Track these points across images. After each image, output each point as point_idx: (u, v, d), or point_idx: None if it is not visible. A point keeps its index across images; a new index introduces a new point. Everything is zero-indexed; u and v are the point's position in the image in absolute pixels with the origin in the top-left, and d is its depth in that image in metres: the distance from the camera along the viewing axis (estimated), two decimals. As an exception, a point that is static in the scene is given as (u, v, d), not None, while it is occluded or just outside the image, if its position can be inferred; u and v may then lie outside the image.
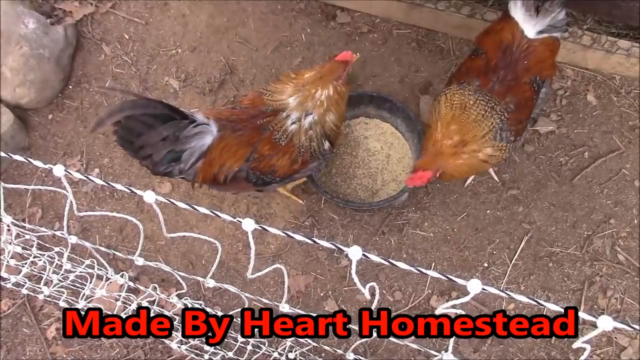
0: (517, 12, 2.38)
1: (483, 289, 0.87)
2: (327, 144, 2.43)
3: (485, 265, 2.88)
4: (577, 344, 0.95)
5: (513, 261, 2.87)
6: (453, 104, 2.38)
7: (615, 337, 2.74)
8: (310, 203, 3.00)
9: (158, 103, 2.12)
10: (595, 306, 2.79)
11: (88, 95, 3.25)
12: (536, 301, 0.86)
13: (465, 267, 2.88)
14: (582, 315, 0.87)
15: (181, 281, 1.46)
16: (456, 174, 2.47)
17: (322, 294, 2.88)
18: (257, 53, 3.25)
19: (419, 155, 2.47)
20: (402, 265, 0.91)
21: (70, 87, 3.27)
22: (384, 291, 2.87)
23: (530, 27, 2.38)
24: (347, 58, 2.37)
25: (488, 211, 2.95)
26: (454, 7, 3.06)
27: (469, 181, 2.96)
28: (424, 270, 0.88)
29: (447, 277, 0.89)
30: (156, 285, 1.98)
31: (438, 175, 2.37)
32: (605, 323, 0.82)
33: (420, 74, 3.16)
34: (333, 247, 0.93)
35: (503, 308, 2.81)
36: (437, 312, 0.97)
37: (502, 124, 2.36)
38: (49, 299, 2.14)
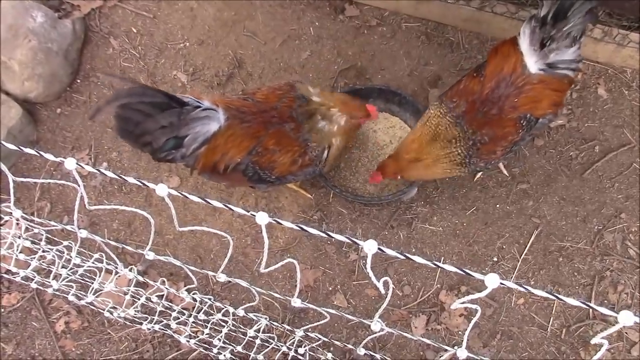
0: (523, 43, 2.25)
1: (501, 283, 0.86)
2: (325, 155, 2.51)
3: (495, 259, 2.86)
4: (596, 339, 0.93)
5: (523, 256, 2.85)
6: (430, 126, 2.46)
7: (626, 333, 2.72)
8: (319, 197, 2.99)
9: (156, 91, 2.08)
10: (605, 301, 2.77)
11: (96, 89, 3.24)
12: (555, 295, 0.85)
13: (475, 262, 2.87)
14: (601, 309, 0.85)
15: (191, 275, 1.45)
16: (415, 177, 2.69)
17: (330, 289, 2.87)
18: (265, 46, 3.24)
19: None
20: (418, 259, 0.90)
21: (79, 81, 3.26)
22: (392, 286, 2.85)
23: (532, 62, 2.26)
24: (372, 114, 2.64)
25: (497, 205, 2.93)
26: (463, -1, 3.04)
27: (478, 175, 2.95)
28: (440, 265, 0.87)
29: (464, 271, 0.87)
30: (165, 279, 1.97)
31: (398, 177, 2.67)
32: (626, 318, 0.81)
33: (429, 68, 3.14)
34: (348, 240, 0.92)
35: (513, 303, 2.80)
36: (452, 307, 0.95)
37: (471, 153, 2.41)
38: (58, 292, 2.14)
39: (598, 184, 2.92)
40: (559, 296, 0.83)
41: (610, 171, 2.93)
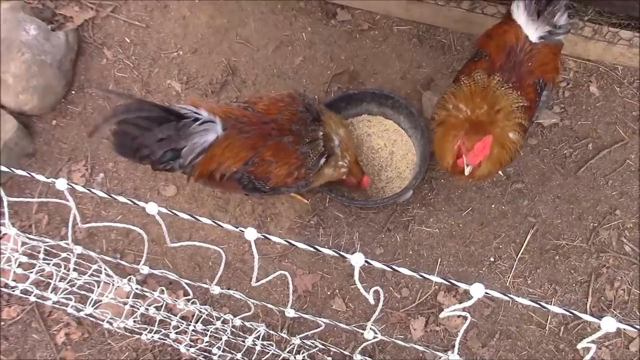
0: (520, 16, 2.38)
1: (486, 292, 0.87)
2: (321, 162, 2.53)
3: (492, 259, 2.88)
4: (582, 344, 0.95)
5: (519, 255, 2.86)
6: (472, 84, 2.38)
7: (624, 329, 2.73)
8: (315, 202, 3.00)
9: (153, 105, 2.12)
10: (602, 298, 2.79)
11: (91, 100, 3.25)
12: (539, 304, 0.86)
13: (472, 262, 2.88)
14: (585, 317, 0.87)
15: (187, 288, 1.46)
16: (500, 138, 2.33)
17: (329, 293, 2.89)
18: (258, 53, 3.25)
19: (462, 141, 2.27)
20: (404, 271, 0.91)
21: (73, 92, 3.27)
22: (390, 288, 2.87)
23: (532, 31, 2.38)
24: (362, 184, 2.80)
25: (493, 205, 2.94)
26: (454, 1, 3.05)
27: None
28: (426, 275, 0.88)
29: (450, 282, 0.89)
30: (164, 289, 1.98)
31: (486, 151, 2.24)
32: (609, 324, 0.82)
33: (422, 70, 3.16)
34: (335, 254, 0.94)
35: (510, 302, 2.81)
36: (441, 316, 0.97)
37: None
38: (57, 305, 2.15)
39: (592, 182, 2.94)
40: (543, 304, 0.84)
41: (604, 168, 2.95)
